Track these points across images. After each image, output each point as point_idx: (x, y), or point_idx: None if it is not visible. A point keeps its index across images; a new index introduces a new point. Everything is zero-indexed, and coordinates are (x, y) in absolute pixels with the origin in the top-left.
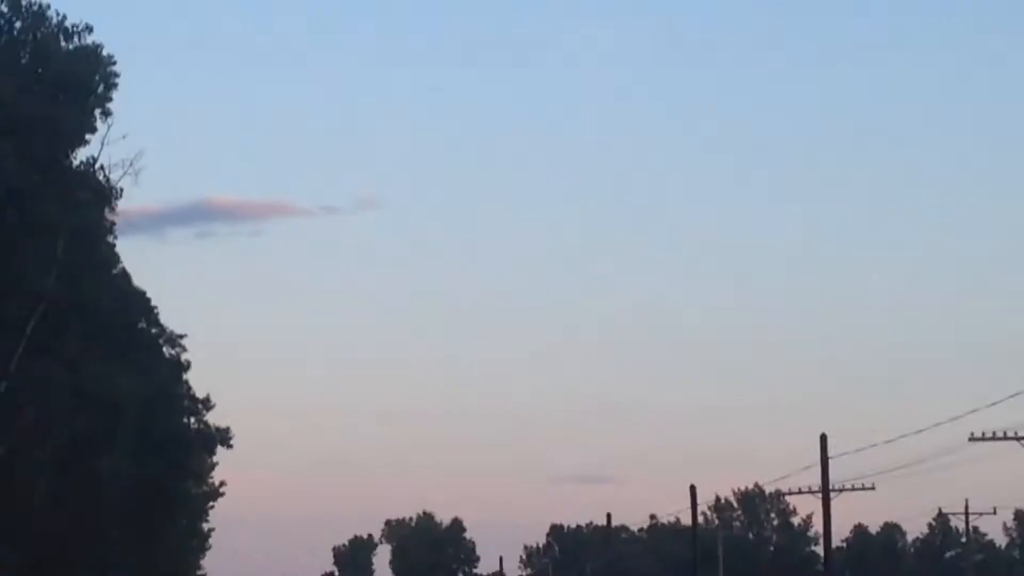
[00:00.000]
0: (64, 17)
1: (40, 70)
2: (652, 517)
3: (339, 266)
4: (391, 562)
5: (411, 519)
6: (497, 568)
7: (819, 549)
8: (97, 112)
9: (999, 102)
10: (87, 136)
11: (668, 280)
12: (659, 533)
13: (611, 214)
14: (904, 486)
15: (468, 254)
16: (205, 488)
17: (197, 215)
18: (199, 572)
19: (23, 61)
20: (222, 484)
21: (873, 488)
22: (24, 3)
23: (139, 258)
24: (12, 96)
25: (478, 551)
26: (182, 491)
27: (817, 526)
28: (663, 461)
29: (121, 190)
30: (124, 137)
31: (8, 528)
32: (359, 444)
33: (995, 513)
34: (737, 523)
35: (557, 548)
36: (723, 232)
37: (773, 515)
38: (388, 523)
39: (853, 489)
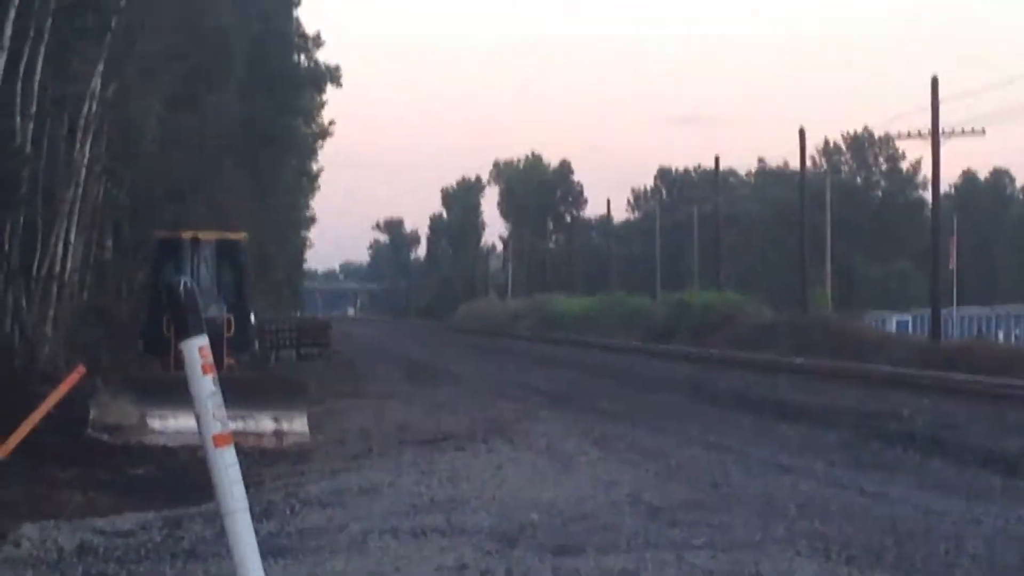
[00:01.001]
0: None
1: None
2: (760, 161)
3: None
4: (499, 204)
5: (519, 161)
6: (604, 210)
7: (927, 194)
8: None
9: None
10: None
11: None
12: (767, 177)
13: None
14: (1015, 132)
15: None
16: (314, 127)
17: None
18: (308, 212)
19: None
20: (331, 123)
21: (984, 133)
22: None
23: None
24: None
25: (586, 194)
26: (291, 129)
27: (926, 171)
28: (771, 102)
29: None
30: None
31: (118, 168)
32: (470, 84)
33: None
34: (845, 167)
35: (664, 191)
36: None
37: (882, 160)
38: (496, 165)
39: (963, 133)
